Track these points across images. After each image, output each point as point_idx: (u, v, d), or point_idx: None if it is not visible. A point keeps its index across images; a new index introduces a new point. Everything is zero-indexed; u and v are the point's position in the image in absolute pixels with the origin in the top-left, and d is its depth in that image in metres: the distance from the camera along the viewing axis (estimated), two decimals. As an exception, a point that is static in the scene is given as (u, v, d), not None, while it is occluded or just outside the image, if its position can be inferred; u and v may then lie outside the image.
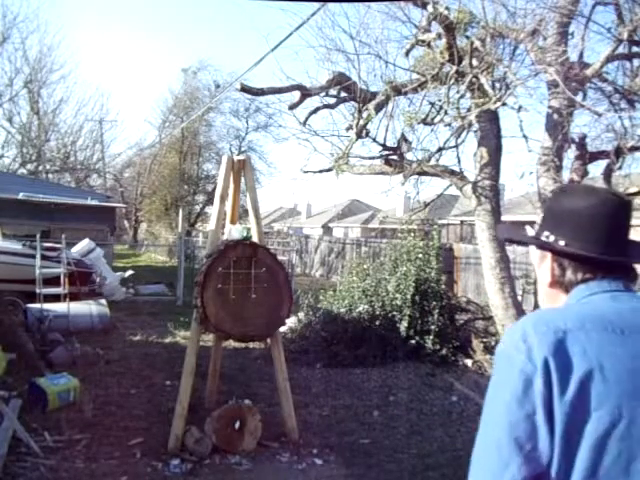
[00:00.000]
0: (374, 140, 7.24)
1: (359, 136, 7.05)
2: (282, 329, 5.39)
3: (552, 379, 0.92)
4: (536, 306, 7.02)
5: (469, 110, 6.41)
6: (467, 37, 6.40)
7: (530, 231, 1.23)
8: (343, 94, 7.29)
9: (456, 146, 7.35)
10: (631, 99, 6.22)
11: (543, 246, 1.17)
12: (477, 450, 1.00)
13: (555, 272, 1.15)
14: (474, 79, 6.02)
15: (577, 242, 1.10)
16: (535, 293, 7.17)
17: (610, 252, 1.09)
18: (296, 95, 7.11)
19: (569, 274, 1.12)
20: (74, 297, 8.42)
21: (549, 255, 1.16)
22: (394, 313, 7.37)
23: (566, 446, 0.90)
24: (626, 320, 1.00)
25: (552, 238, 1.14)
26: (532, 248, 1.23)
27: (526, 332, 0.98)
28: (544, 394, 0.92)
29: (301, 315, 7.75)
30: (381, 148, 7.34)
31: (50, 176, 30.96)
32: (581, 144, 6.65)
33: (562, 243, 1.12)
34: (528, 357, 0.95)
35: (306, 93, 7.05)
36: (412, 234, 8.09)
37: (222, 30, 71.28)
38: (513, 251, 9.93)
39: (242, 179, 4.81)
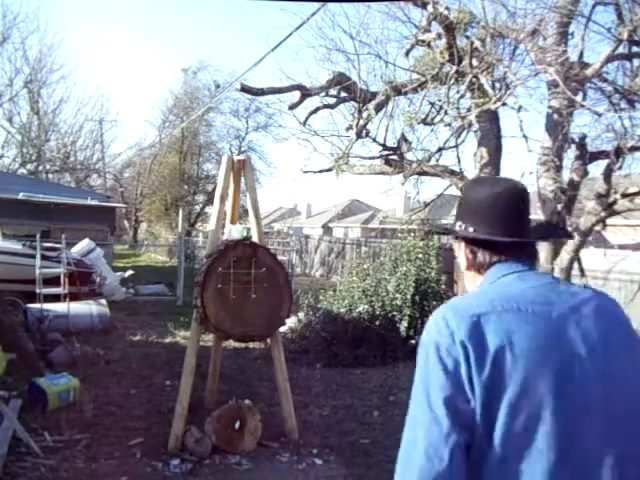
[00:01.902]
0: (374, 140, 7.25)
1: (359, 136, 7.06)
2: (282, 329, 5.38)
3: (470, 359, 1.05)
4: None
5: (469, 110, 6.41)
6: (467, 37, 6.41)
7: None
8: (343, 94, 7.30)
9: (456, 146, 7.36)
10: (631, 99, 6.21)
11: (457, 234, 1.31)
12: (407, 426, 1.13)
13: (469, 256, 1.28)
14: (474, 79, 6.02)
15: (484, 228, 1.23)
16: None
17: (513, 235, 1.21)
18: (296, 95, 7.12)
19: (480, 257, 1.25)
20: (74, 297, 8.42)
21: (463, 242, 1.30)
22: (394, 313, 7.36)
23: (487, 414, 1.03)
24: (529, 298, 1.12)
25: (463, 227, 1.27)
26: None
27: (447, 319, 1.12)
28: (467, 372, 1.05)
29: (301, 315, 7.74)
30: (381, 148, 7.34)
31: (50, 176, 30.96)
32: (581, 144, 6.65)
33: (471, 230, 1.26)
34: (452, 340, 1.08)
35: (306, 93, 7.05)
36: (412, 234, 8.09)
37: (222, 30, 71.31)
38: (513, 251, 9.93)
39: (242, 179, 4.80)
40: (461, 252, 1.31)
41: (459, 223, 1.29)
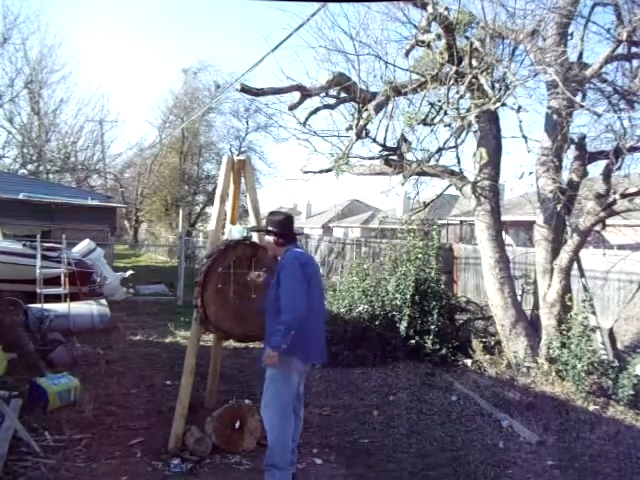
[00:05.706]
0: (374, 140, 7.24)
1: (359, 136, 7.05)
2: (282, 329, 5.38)
3: (302, 269, 3.48)
4: (536, 306, 7.03)
5: (469, 110, 6.41)
6: (467, 37, 6.41)
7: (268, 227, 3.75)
8: (343, 94, 7.29)
9: (456, 146, 7.36)
10: (630, 99, 6.22)
11: (273, 233, 3.69)
12: (288, 291, 3.40)
13: (277, 241, 3.68)
14: (474, 79, 6.03)
15: (280, 230, 3.67)
16: (534, 293, 7.18)
17: (289, 233, 3.72)
18: (296, 95, 7.10)
19: (280, 241, 3.67)
20: (74, 297, 8.44)
21: (273, 236, 3.68)
22: (394, 313, 7.37)
23: (308, 285, 3.47)
24: (302, 255, 3.65)
25: (274, 229, 3.68)
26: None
27: (295, 256, 3.54)
28: (305, 273, 3.49)
29: (301, 315, 7.74)
30: (381, 148, 7.34)
31: (51, 176, 30.98)
32: (580, 144, 6.65)
33: (277, 231, 3.67)
34: (298, 264, 3.49)
35: (306, 93, 7.04)
36: (412, 234, 8.09)
37: (222, 30, 71.37)
38: (513, 251, 9.93)
39: (242, 179, 4.81)
40: (271, 239, 3.68)
41: (270, 228, 3.68)
